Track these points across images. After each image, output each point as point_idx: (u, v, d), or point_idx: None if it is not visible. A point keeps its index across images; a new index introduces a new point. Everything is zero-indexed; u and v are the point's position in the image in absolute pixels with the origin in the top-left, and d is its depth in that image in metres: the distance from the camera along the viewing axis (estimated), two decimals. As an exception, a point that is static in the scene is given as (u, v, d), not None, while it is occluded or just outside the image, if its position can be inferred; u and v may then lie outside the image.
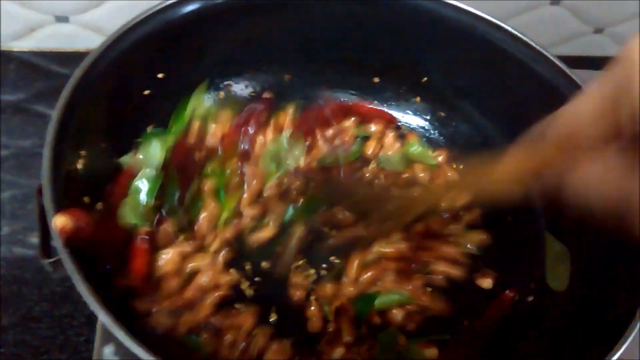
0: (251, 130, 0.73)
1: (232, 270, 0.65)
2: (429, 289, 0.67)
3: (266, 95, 0.79)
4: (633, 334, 0.53)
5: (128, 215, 0.63)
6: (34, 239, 0.75)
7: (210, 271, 0.63)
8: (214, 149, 0.71)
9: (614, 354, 0.51)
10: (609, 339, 0.53)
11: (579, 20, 1.04)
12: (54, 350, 0.69)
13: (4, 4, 0.89)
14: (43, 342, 0.70)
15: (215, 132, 0.73)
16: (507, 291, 0.67)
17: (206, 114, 0.75)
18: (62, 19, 0.92)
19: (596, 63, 1.04)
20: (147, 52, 0.68)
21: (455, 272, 0.68)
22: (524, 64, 0.72)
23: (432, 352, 0.62)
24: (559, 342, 0.61)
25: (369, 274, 0.65)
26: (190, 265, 0.63)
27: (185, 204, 0.67)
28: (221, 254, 0.65)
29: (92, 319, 0.71)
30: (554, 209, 0.71)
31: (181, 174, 0.67)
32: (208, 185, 0.69)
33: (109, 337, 0.64)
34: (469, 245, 0.70)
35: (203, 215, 0.67)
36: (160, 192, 0.65)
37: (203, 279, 0.62)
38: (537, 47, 0.71)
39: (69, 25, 0.93)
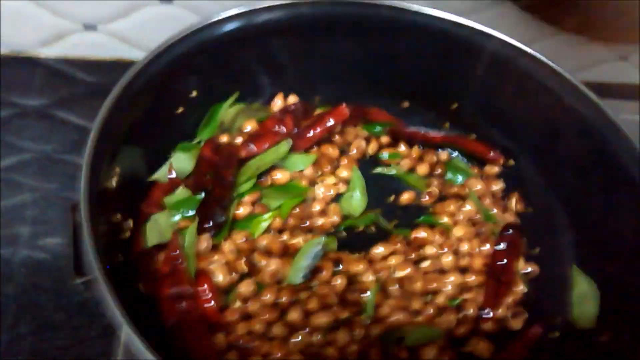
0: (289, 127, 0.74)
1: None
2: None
3: (293, 99, 0.79)
4: None
5: (151, 234, 0.63)
6: (54, 243, 0.77)
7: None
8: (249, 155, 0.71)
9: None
10: None
11: (603, 47, 1.04)
12: (69, 361, 0.69)
13: (34, 11, 0.89)
14: (59, 352, 0.69)
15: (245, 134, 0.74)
16: (533, 326, 0.66)
17: (234, 122, 0.75)
18: (90, 27, 0.92)
19: (622, 89, 1.06)
20: (184, 71, 0.69)
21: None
22: (556, 94, 0.72)
23: (457, 385, 0.62)
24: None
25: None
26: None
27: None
28: None
29: (108, 331, 0.70)
30: (585, 243, 0.72)
31: (218, 186, 0.67)
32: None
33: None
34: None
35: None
36: (201, 207, 0.65)
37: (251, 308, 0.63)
38: (571, 79, 0.71)
39: (97, 34, 0.93)
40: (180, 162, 0.68)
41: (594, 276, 0.68)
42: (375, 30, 0.75)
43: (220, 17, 0.68)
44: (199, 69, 0.70)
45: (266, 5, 0.70)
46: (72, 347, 0.70)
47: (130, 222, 0.63)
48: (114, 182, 0.60)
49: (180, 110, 0.71)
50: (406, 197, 0.75)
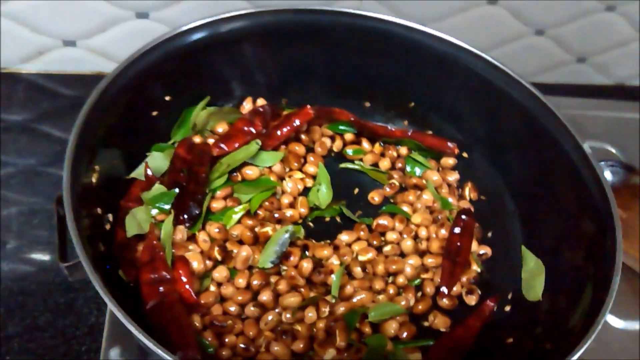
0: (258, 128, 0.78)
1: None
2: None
3: (261, 102, 0.84)
4: (593, 337, 0.58)
5: (130, 226, 0.67)
6: (39, 255, 0.79)
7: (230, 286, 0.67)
8: (220, 153, 0.75)
9: (575, 354, 0.56)
10: (574, 342, 0.58)
11: (562, 50, 1.09)
12: (57, 358, 0.71)
13: (14, 28, 0.92)
14: (47, 351, 0.72)
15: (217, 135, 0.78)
16: (487, 301, 0.71)
17: (206, 124, 0.79)
18: (69, 43, 0.95)
19: (579, 90, 1.11)
20: (157, 77, 0.73)
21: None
22: (503, 91, 0.77)
23: (416, 356, 0.66)
24: (533, 347, 0.66)
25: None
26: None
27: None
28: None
29: (94, 328, 0.74)
30: (530, 225, 0.77)
31: (192, 182, 0.71)
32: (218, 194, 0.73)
33: (115, 340, 0.68)
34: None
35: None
36: (176, 201, 0.69)
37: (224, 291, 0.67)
38: (515, 76, 0.76)
39: (76, 49, 0.96)
40: (156, 161, 0.73)
41: (539, 253, 0.73)
42: (336, 36, 0.80)
43: (187, 27, 0.73)
44: (170, 75, 0.75)
45: (230, 15, 0.75)
46: (59, 346, 0.72)
47: (110, 216, 0.67)
48: (94, 178, 0.65)
49: (155, 113, 0.76)
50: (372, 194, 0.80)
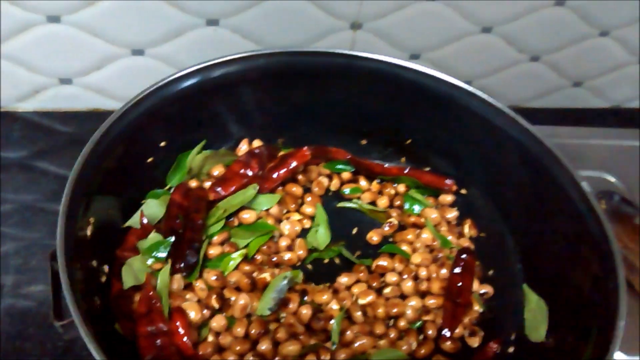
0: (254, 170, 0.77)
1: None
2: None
3: (257, 143, 0.83)
4: None
5: (127, 277, 0.66)
6: (37, 291, 0.78)
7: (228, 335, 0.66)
8: (217, 198, 0.75)
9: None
10: None
11: (558, 75, 1.09)
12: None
13: (10, 69, 0.92)
14: None
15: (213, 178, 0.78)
16: (490, 343, 0.70)
17: (202, 168, 0.79)
18: (65, 81, 0.96)
19: (576, 114, 1.11)
20: (151, 124, 0.73)
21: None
22: (499, 129, 0.77)
23: (420, 403, 0.66)
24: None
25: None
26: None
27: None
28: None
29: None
30: (531, 262, 0.76)
31: (188, 229, 0.70)
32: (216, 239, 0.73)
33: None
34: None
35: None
36: (173, 249, 0.69)
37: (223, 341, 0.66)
38: (511, 114, 0.76)
39: (72, 87, 0.96)
40: (151, 208, 0.72)
41: (541, 292, 0.73)
42: (330, 76, 0.80)
43: (179, 74, 0.73)
44: (164, 121, 0.74)
45: (223, 60, 0.75)
46: None
47: (106, 268, 0.67)
48: (88, 231, 0.64)
49: (150, 159, 0.75)
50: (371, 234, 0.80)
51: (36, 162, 0.92)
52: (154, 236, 0.69)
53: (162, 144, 0.76)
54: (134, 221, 0.72)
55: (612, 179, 0.98)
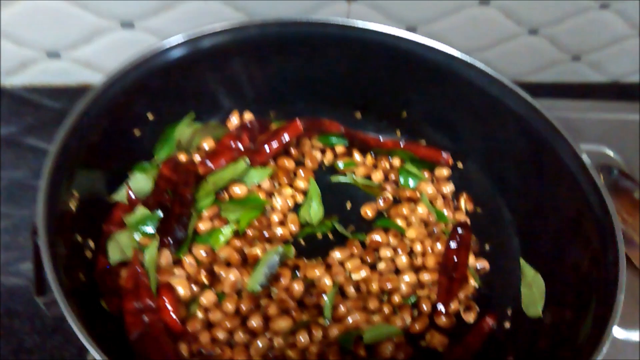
0: (245, 143, 0.76)
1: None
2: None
3: (249, 116, 0.81)
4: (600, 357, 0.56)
5: (113, 252, 0.65)
6: (27, 269, 0.78)
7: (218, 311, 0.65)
8: (206, 172, 0.73)
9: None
10: None
11: (557, 48, 1.07)
12: (45, 382, 0.69)
13: (-3, 42, 0.90)
14: None
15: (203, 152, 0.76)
16: (486, 318, 0.69)
17: (191, 141, 0.77)
18: (53, 55, 0.94)
19: (575, 89, 1.10)
20: (138, 95, 0.71)
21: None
22: (497, 100, 0.75)
23: (414, 379, 0.64)
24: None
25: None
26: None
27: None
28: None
29: (83, 350, 0.72)
30: (528, 236, 0.75)
31: (177, 203, 0.69)
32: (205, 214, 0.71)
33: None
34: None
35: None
36: (161, 224, 0.67)
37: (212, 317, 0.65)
38: (509, 84, 0.74)
39: (60, 61, 0.95)
40: (138, 182, 0.70)
41: (538, 267, 0.71)
42: (324, 47, 0.78)
43: (168, 45, 0.70)
44: (152, 92, 0.72)
45: (213, 31, 0.72)
46: None
47: (91, 243, 0.65)
48: (72, 205, 0.62)
49: (137, 132, 0.73)
50: (365, 209, 0.78)
51: (25, 139, 0.91)
52: (141, 210, 0.68)
53: (150, 116, 0.74)
54: (120, 195, 0.70)
55: (611, 153, 0.97)
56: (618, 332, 0.77)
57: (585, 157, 0.68)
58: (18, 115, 0.93)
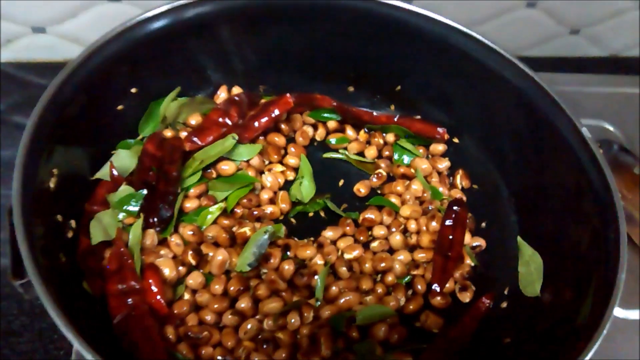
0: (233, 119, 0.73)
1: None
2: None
3: (237, 90, 0.79)
4: (600, 339, 0.55)
5: (95, 232, 0.63)
6: None
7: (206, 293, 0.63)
8: (193, 148, 0.71)
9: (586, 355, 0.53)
10: (579, 343, 0.55)
11: (555, 21, 1.05)
12: (34, 364, 0.68)
13: (-22, 17, 0.88)
14: (23, 357, 0.69)
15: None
16: (482, 298, 0.67)
17: (177, 117, 0.75)
18: (39, 29, 0.92)
19: (573, 63, 1.08)
20: (120, 68, 0.68)
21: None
22: (495, 72, 0.73)
23: (408, 360, 0.63)
24: (533, 347, 0.62)
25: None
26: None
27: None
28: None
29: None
30: (525, 213, 0.73)
31: (162, 181, 0.67)
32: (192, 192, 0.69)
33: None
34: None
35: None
36: (145, 203, 0.65)
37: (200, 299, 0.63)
38: (508, 56, 0.72)
39: (46, 36, 0.93)
40: (122, 159, 0.68)
41: (536, 245, 0.70)
42: (315, 16, 0.76)
43: (149, 15, 0.68)
44: (135, 65, 0.70)
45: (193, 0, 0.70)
46: (37, 350, 0.69)
47: (73, 223, 0.63)
48: (52, 183, 0.60)
49: (120, 107, 0.71)
50: (358, 186, 0.76)
51: (11, 116, 0.89)
52: (125, 189, 0.66)
53: (133, 90, 0.72)
54: (103, 173, 0.68)
55: (611, 128, 0.95)
56: (617, 311, 0.75)
57: (585, 131, 0.66)
58: (4, 92, 0.92)
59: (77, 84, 0.63)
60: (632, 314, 0.76)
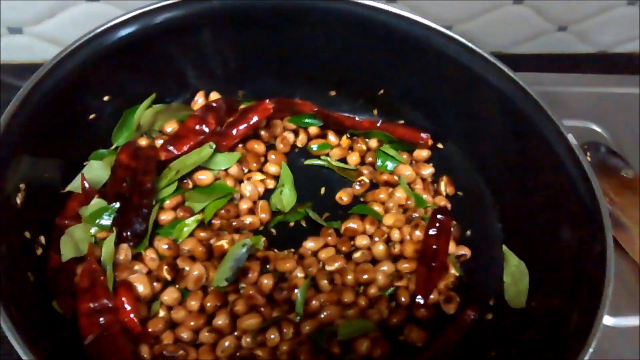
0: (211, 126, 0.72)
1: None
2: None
3: (215, 96, 0.77)
4: (590, 350, 0.54)
5: (66, 248, 0.61)
6: None
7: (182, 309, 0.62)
8: (168, 157, 0.69)
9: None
10: (567, 355, 0.54)
11: (542, 18, 1.04)
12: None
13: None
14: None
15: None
16: (467, 310, 0.66)
17: (152, 124, 0.73)
18: (15, 30, 0.90)
19: (561, 60, 1.06)
20: (90, 76, 0.67)
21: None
22: (478, 75, 0.71)
23: (392, 375, 0.61)
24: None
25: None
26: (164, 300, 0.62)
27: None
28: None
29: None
30: (510, 221, 0.71)
31: (136, 193, 0.65)
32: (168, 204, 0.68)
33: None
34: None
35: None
36: (119, 216, 0.63)
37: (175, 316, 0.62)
38: (491, 59, 0.70)
39: (23, 37, 0.91)
40: (94, 170, 0.66)
41: (522, 254, 0.68)
42: (294, 20, 0.74)
43: (117, 21, 0.66)
44: (107, 72, 0.68)
45: (164, 4, 0.68)
46: None
47: (42, 239, 0.61)
48: (18, 199, 0.58)
49: (92, 116, 0.69)
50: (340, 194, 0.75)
51: (-12, 118, 0.86)
52: (97, 202, 0.64)
53: (106, 98, 0.70)
54: (74, 185, 0.66)
55: (598, 129, 0.93)
56: (607, 319, 0.74)
57: (571, 138, 0.65)
58: (-19, 94, 0.89)
59: (46, 92, 0.61)
60: (619, 322, 0.74)
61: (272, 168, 0.74)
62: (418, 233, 0.70)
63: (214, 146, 0.69)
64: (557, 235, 0.65)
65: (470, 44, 0.71)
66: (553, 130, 0.66)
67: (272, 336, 0.60)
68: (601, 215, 0.60)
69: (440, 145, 0.78)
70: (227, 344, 0.60)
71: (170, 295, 0.61)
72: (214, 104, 0.74)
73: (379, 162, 0.77)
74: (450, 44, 0.71)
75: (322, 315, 0.63)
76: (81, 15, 0.88)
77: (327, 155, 0.78)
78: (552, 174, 0.66)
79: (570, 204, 0.64)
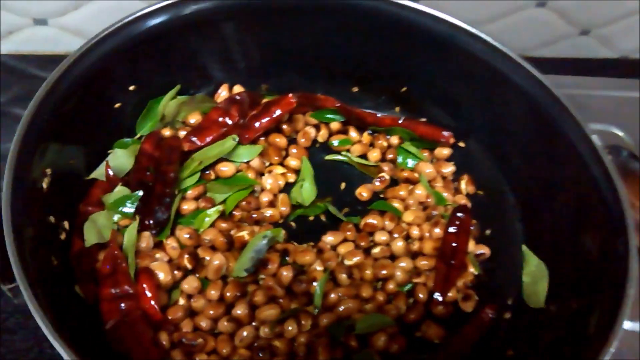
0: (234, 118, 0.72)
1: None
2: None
3: (238, 89, 0.78)
4: (609, 354, 0.53)
5: (89, 234, 0.61)
6: None
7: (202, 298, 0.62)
8: (192, 148, 0.70)
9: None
10: (586, 357, 0.54)
11: (565, 22, 1.03)
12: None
13: (-20, 8, 0.87)
14: (18, 355, 0.68)
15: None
16: (485, 308, 0.66)
17: (176, 115, 0.74)
18: (40, 21, 0.91)
19: (582, 65, 1.06)
20: (117, 65, 0.67)
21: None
22: (503, 75, 0.71)
23: (408, 372, 0.61)
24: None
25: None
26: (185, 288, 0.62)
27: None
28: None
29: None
30: (532, 221, 0.71)
31: (159, 182, 0.65)
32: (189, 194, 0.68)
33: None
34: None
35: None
36: (141, 204, 0.64)
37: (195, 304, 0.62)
38: (516, 58, 0.70)
39: (48, 28, 0.92)
40: (119, 159, 0.67)
41: (542, 254, 0.68)
42: (320, 15, 0.74)
43: (146, 11, 0.67)
44: (133, 62, 0.69)
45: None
46: (33, 348, 0.68)
47: (66, 224, 0.62)
48: (44, 183, 0.59)
49: (118, 105, 0.70)
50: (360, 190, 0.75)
51: (12, 108, 0.89)
52: (120, 190, 0.65)
53: (131, 87, 0.71)
54: (99, 173, 0.66)
55: (620, 133, 0.92)
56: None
57: (595, 138, 0.65)
58: (5, 84, 0.91)
59: (73, 80, 0.62)
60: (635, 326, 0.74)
61: (293, 162, 0.74)
62: (437, 230, 0.70)
63: (236, 138, 0.70)
64: (579, 236, 0.65)
65: (495, 42, 0.71)
66: (577, 130, 0.66)
67: (290, 328, 0.61)
68: (625, 218, 0.60)
69: (461, 144, 0.78)
70: (245, 333, 0.60)
71: (190, 284, 0.62)
72: (238, 97, 0.74)
73: (399, 159, 0.77)
74: (474, 43, 0.71)
75: (340, 309, 0.63)
76: (105, 8, 0.89)
77: (348, 151, 0.78)
78: (575, 174, 0.66)
79: (594, 205, 0.63)
